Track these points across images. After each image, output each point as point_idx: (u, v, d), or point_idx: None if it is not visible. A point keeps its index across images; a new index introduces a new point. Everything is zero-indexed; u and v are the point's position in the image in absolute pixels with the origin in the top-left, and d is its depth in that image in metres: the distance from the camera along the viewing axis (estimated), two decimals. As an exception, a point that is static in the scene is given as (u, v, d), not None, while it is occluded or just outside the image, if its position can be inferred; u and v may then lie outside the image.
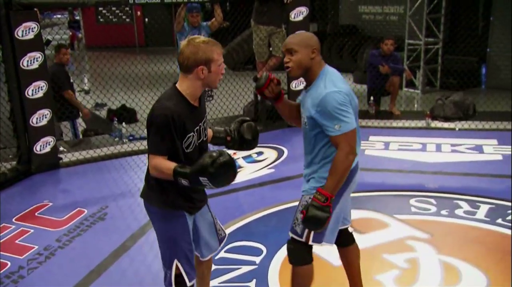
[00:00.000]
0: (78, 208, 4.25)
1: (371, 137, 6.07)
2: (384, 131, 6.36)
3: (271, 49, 6.62)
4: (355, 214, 3.96)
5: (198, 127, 2.27)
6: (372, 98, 7.01)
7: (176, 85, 2.22)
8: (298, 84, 6.40)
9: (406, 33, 8.83)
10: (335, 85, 2.28)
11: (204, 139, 2.34)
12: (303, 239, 2.49)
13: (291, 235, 2.55)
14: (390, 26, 10.33)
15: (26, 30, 4.62)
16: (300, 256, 2.56)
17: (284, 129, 6.51)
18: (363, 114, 6.90)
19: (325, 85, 2.29)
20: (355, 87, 8.04)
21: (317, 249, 3.41)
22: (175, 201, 2.29)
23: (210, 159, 2.08)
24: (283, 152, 5.66)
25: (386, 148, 5.73)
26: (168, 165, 2.15)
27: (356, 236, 3.60)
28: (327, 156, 2.39)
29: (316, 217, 2.31)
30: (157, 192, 2.28)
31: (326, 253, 3.40)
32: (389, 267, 3.25)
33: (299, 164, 5.19)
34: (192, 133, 2.23)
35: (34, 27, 4.68)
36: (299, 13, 6.15)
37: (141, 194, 2.38)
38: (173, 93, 2.20)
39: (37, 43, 4.74)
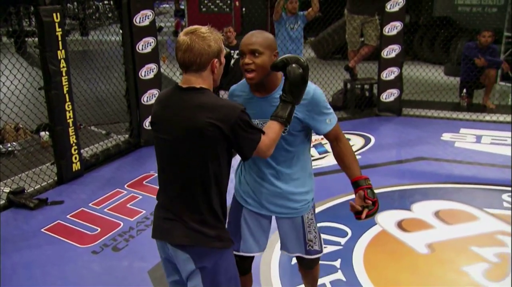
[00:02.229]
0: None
1: (462, 130, 5.74)
2: (476, 124, 5.97)
3: (362, 38, 6.45)
4: (443, 205, 3.82)
5: None
6: (464, 90, 6.61)
7: (198, 86, 1.78)
8: (389, 74, 6.18)
9: (506, 26, 8.15)
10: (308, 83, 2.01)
11: None
12: (322, 251, 2.32)
13: (310, 257, 2.28)
14: (488, 18, 9.59)
15: (143, 17, 4.88)
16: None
17: (372, 117, 6.35)
18: (454, 107, 6.55)
19: None
20: (448, 80, 7.58)
21: (403, 236, 3.36)
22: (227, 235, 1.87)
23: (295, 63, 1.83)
24: (370, 139, 5.52)
25: (478, 141, 5.38)
26: (273, 128, 1.85)
27: (443, 226, 3.49)
28: (305, 167, 2.17)
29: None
30: (216, 229, 1.81)
31: (411, 240, 3.30)
32: (477, 259, 3.08)
33: (385, 152, 5.13)
34: None
35: (150, 15, 4.93)
36: (395, 4, 5.91)
37: (179, 238, 1.79)
38: (212, 93, 1.82)
39: (151, 29, 5.00)
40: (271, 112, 1.90)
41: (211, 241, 1.79)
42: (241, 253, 2.23)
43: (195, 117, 1.72)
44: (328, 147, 5.13)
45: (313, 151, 4.97)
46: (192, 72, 1.78)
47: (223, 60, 1.83)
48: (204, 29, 1.76)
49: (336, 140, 2.12)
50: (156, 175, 4.77)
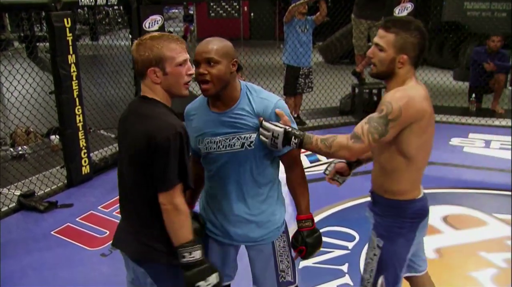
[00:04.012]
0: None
1: (471, 135, 5.71)
2: (485, 129, 5.94)
3: (370, 43, 6.45)
4: (451, 210, 3.80)
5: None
6: (474, 95, 6.58)
7: (148, 95, 1.68)
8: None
9: (515, 30, 8.10)
10: (270, 94, 1.88)
11: None
12: (295, 282, 2.05)
13: None
14: (497, 23, 9.55)
15: (152, 23, 4.93)
16: None
17: (380, 122, 6.32)
18: (463, 112, 6.52)
19: (262, 96, 1.84)
20: (456, 84, 7.55)
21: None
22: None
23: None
24: (378, 144, 5.50)
25: (486, 146, 5.35)
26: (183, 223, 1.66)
27: (451, 231, 3.47)
28: (271, 183, 1.95)
29: (319, 242, 2.02)
30: (164, 243, 1.69)
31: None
32: (486, 265, 3.06)
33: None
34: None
35: (159, 20, 4.98)
36: (403, 9, 5.90)
37: (134, 253, 1.76)
38: (159, 106, 1.67)
39: (160, 34, 5.04)
40: (231, 129, 1.80)
41: (163, 257, 1.71)
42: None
43: (137, 130, 1.64)
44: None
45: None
46: (140, 79, 1.70)
47: (172, 70, 1.64)
48: (149, 35, 1.68)
49: (292, 166, 1.94)
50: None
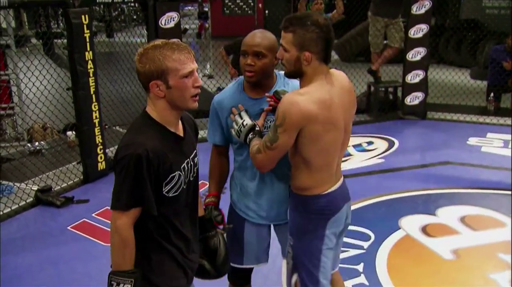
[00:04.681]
0: (202, 181, 4.50)
1: (489, 135, 5.63)
2: (503, 129, 5.84)
3: (386, 41, 6.40)
4: (469, 210, 3.75)
5: (185, 164, 1.65)
6: (492, 94, 6.49)
7: (147, 110, 1.60)
8: (414, 77, 6.11)
9: (535, 28, 7.95)
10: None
11: (192, 177, 1.71)
12: None
13: None
14: (517, 20, 9.37)
15: (168, 19, 4.94)
16: None
17: (395, 121, 6.28)
18: (481, 111, 6.42)
19: (293, 81, 1.98)
20: (474, 83, 7.44)
21: (427, 241, 3.31)
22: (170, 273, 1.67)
23: None
24: (393, 143, 5.46)
25: (505, 146, 5.26)
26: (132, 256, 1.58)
27: (469, 232, 3.43)
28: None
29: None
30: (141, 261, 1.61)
31: (436, 246, 3.25)
32: (505, 267, 3.01)
33: (410, 155, 5.07)
34: (177, 173, 1.60)
35: (175, 17, 4.99)
36: (421, 6, 5.84)
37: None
38: (144, 122, 1.58)
39: (176, 31, 5.06)
40: (268, 113, 1.93)
41: None
42: (244, 266, 2.19)
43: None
44: (350, 149, 5.10)
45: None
46: (146, 93, 1.60)
47: (176, 83, 1.53)
48: (151, 44, 1.54)
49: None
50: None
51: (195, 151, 1.73)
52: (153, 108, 1.58)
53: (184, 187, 1.64)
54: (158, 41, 1.55)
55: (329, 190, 1.88)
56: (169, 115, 1.59)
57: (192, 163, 1.68)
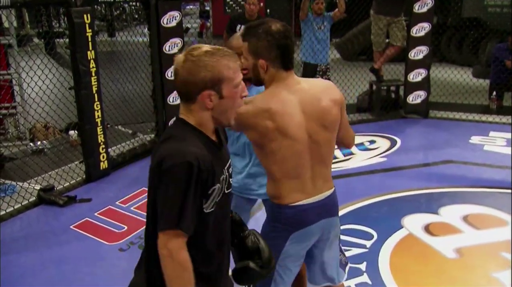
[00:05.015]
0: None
1: (492, 133, 5.62)
2: (506, 127, 5.82)
3: (388, 40, 6.39)
4: (472, 209, 3.75)
5: (224, 175, 1.48)
6: (494, 93, 6.48)
7: (183, 118, 1.45)
8: (416, 76, 6.10)
9: (538, 27, 7.93)
10: None
11: (227, 190, 1.52)
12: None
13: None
14: (519, 19, 9.35)
15: (170, 19, 4.94)
16: None
17: (398, 119, 6.27)
18: (483, 109, 6.42)
19: None
20: (477, 82, 7.42)
21: (430, 240, 3.31)
22: None
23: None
24: (396, 142, 5.46)
25: (508, 145, 5.25)
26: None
27: (472, 231, 3.42)
28: None
29: None
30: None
31: (439, 244, 3.25)
32: (507, 265, 3.01)
33: (412, 154, 5.06)
34: (217, 185, 1.44)
35: (177, 16, 4.99)
36: (423, 5, 5.83)
37: None
38: (186, 129, 1.43)
39: (178, 31, 5.06)
40: None
41: None
42: None
43: (154, 155, 1.42)
44: (352, 148, 5.09)
45: (338, 152, 4.94)
46: (182, 102, 1.43)
47: (229, 93, 1.41)
48: (202, 49, 1.38)
49: None
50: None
51: (230, 160, 1.56)
52: (191, 117, 1.43)
53: (217, 201, 1.45)
54: (206, 47, 1.39)
55: (299, 203, 1.81)
56: (210, 124, 1.45)
57: (227, 173, 1.50)
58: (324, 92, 1.83)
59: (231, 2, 15.69)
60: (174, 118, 1.51)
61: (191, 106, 1.41)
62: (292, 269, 1.91)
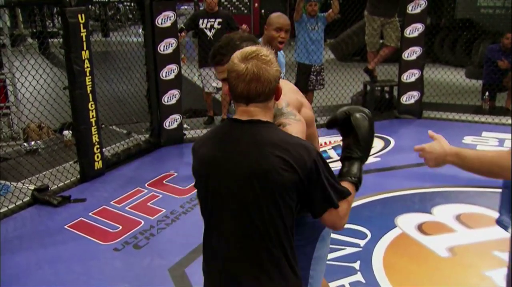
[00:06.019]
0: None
1: (484, 133, 5.66)
2: (498, 127, 5.87)
3: (382, 40, 6.43)
4: (464, 208, 3.78)
5: None
6: (487, 93, 6.53)
7: (261, 119, 1.47)
8: (409, 77, 6.14)
9: (530, 28, 8.00)
10: None
11: None
12: None
13: None
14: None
15: (164, 19, 4.94)
16: None
17: (392, 120, 6.30)
18: (476, 110, 6.46)
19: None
20: (470, 82, 7.48)
21: (423, 239, 3.34)
22: None
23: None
24: (389, 142, 5.49)
25: (500, 145, 5.30)
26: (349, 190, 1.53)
27: (464, 230, 3.45)
28: None
29: None
30: (297, 281, 1.50)
31: (432, 243, 3.28)
32: (500, 264, 3.04)
33: (405, 154, 5.09)
34: None
35: (172, 16, 4.99)
36: (417, 6, 5.86)
37: None
38: (281, 130, 1.56)
39: (172, 31, 5.06)
40: None
41: None
42: None
43: (265, 157, 1.41)
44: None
45: (332, 153, 4.96)
46: (257, 103, 1.46)
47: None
48: (264, 51, 1.46)
49: None
50: (176, 174, 4.78)
51: None
52: (269, 116, 1.50)
53: None
54: (263, 48, 1.47)
55: None
56: None
57: None
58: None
59: (225, 3, 15.70)
60: (251, 121, 1.46)
61: (269, 103, 1.49)
62: (323, 270, 1.99)
